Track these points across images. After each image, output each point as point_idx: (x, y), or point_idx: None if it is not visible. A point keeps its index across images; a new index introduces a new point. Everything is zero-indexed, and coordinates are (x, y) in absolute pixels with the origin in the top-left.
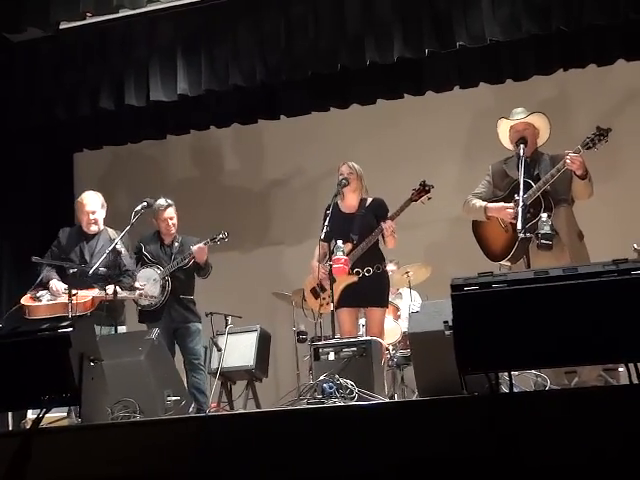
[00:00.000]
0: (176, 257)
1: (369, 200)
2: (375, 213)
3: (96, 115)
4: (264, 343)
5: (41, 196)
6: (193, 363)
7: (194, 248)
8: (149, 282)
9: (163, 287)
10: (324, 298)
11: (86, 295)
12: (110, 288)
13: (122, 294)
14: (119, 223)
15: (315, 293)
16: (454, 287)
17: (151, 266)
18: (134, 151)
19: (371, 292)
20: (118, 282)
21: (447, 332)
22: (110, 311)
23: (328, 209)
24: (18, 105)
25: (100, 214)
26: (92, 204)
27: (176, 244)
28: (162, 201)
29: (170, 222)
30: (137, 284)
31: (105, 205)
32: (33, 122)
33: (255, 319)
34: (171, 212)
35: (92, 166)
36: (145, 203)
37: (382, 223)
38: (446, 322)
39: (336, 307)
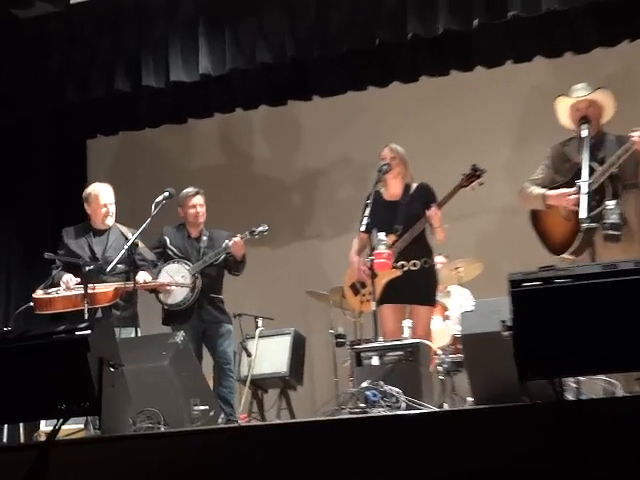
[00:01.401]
0: (206, 252)
1: (414, 186)
2: (421, 200)
3: (111, 97)
4: (298, 347)
5: (51, 187)
6: (223, 369)
7: (231, 242)
8: (176, 278)
9: (193, 284)
10: (364, 295)
11: (107, 286)
12: (140, 275)
13: (151, 283)
14: (137, 216)
15: (355, 289)
16: (512, 283)
17: (178, 261)
18: (152, 137)
19: (417, 288)
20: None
21: (505, 333)
22: (129, 308)
23: (368, 198)
24: (26, 87)
25: (114, 206)
26: (108, 195)
27: (204, 238)
28: (190, 188)
29: (199, 210)
30: (164, 278)
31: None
32: (42, 105)
33: (288, 321)
34: (200, 199)
35: (106, 153)
36: (167, 193)
37: (427, 210)
38: (504, 322)
39: (378, 303)
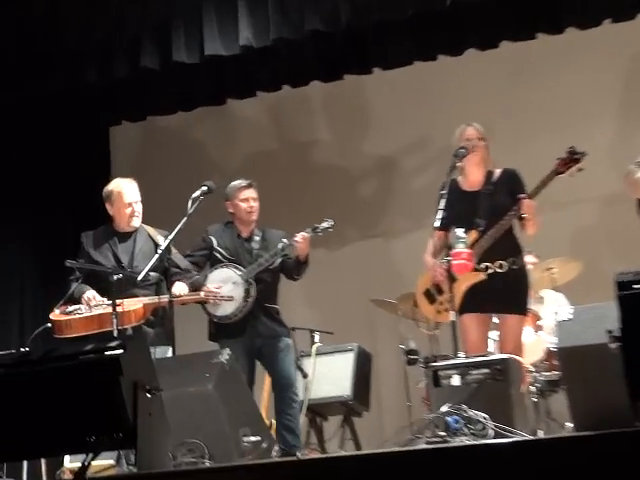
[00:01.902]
0: (260, 254)
1: (497, 172)
2: (507, 189)
3: (136, 77)
4: (364, 366)
5: (69, 183)
6: (284, 391)
7: (297, 237)
8: (227, 285)
9: (247, 292)
10: (442, 303)
11: (134, 302)
12: (177, 287)
13: (186, 297)
14: (168, 215)
15: (430, 297)
16: (620, 285)
17: (227, 265)
18: (186, 122)
19: (505, 294)
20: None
21: (611, 345)
22: (164, 323)
23: (443, 188)
24: (37, 65)
25: (140, 205)
26: (133, 193)
27: (257, 238)
28: (240, 180)
29: (253, 205)
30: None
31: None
32: (55, 87)
33: (351, 335)
34: (253, 192)
35: (132, 143)
36: (205, 187)
37: (519, 202)
38: (610, 332)
39: (458, 313)
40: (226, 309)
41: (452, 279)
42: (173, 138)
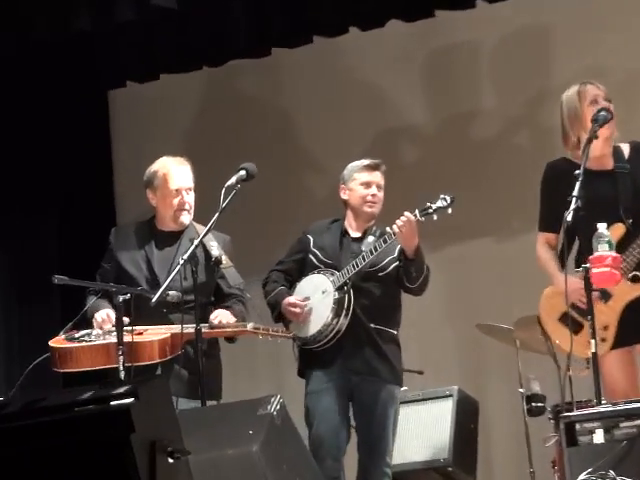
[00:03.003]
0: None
1: (625, 147)
2: None
3: (147, 20)
4: (467, 418)
5: (57, 165)
6: (373, 460)
7: (397, 223)
8: (315, 296)
9: (339, 304)
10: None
11: (160, 331)
12: (216, 314)
13: (226, 328)
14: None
15: (571, 323)
16: None
17: (321, 271)
18: (216, 81)
19: None
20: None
21: None
22: (193, 365)
23: (566, 168)
24: (15, 9)
25: (193, 195)
26: (185, 177)
27: (370, 238)
28: (363, 160)
29: (376, 193)
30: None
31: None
32: (38, 36)
33: (449, 376)
34: (378, 176)
35: (143, 111)
36: (243, 172)
37: None
38: None
39: (615, 345)
40: (311, 327)
41: (605, 295)
42: (199, 103)
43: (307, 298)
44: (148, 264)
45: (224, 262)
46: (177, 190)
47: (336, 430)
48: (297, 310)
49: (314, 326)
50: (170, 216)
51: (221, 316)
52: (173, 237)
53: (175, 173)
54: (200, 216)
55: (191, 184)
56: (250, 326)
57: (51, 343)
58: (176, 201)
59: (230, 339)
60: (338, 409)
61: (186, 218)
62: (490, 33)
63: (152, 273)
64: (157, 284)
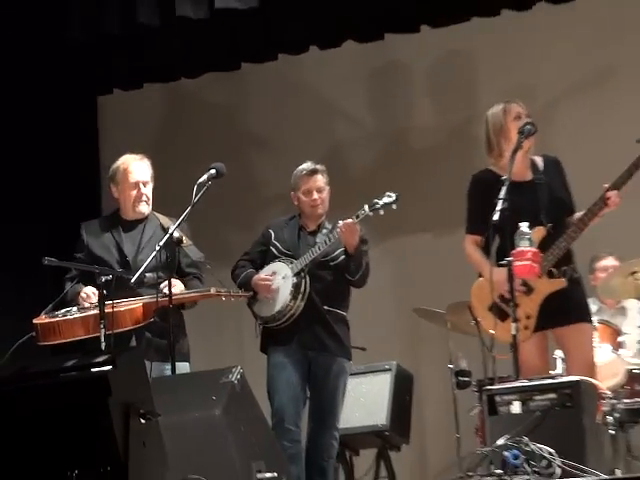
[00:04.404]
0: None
1: (539, 160)
2: (559, 179)
3: (132, 35)
4: (403, 389)
5: (48, 164)
6: (324, 428)
7: (339, 225)
8: (276, 279)
9: (296, 287)
10: (520, 319)
11: (132, 302)
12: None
13: (187, 296)
14: (171, 203)
15: (499, 312)
16: None
17: (280, 260)
18: (192, 91)
19: (569, 303)
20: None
21: None
22: (161, 332)
23: (489, 178)
24: (8, 18)
25: (151, 188)
26: (142, 170)
27: (324, 231)
28: (306, 164)
29: (316, 197)
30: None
31: (153, 176)
32: (30, 45)
33: (388, 352)
34: (319, 180)
35: (127, 115)
36: (213, 171)
37: (607, 192)
38: None
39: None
40: (272, 308)
41: (528, 290)
42: (175, 110)
43: (274, 273)
44: (117, 248)
45: (184, 241)
46: (135, 183)
47: (295, 399)
48: (267, 283)
49: (275, 306)
50: (130, 206)
51: (177, 285)
52: (137, 223)
53: (134, 168)
54: (174, 208)
55: (148, 178)
56: (213, 290)
57: (35, 321)
58: (134, 193)
59: (182, 306)
60: (296, 381)
61: (144, 208)
62: (429, 55)
63: (122, 255)
64: (127, 264)
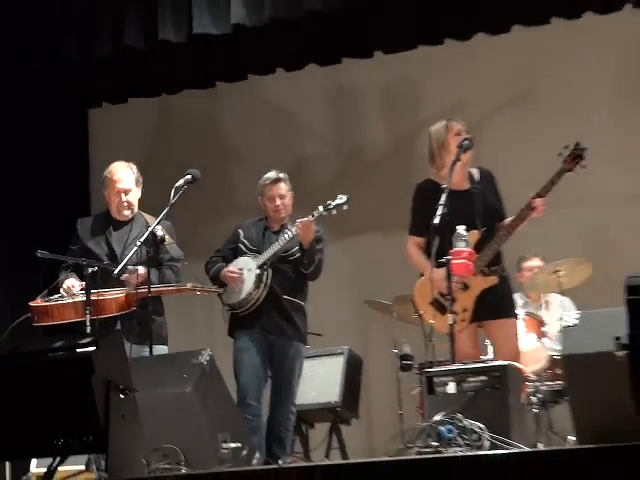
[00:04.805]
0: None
1: (475, 172)
2: (492, 189)
3: (120, 56)
4: (354, 371)
5: (44, 168)
6: (281, 403)
7: (296, 222)
8: (242, 271)
9: (259, 278)
10: (458, 312)
11: (116, 292)
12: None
13: (161, 286)
14: (152, 205)
15: (439, 306)
16: (631, 288)
17: (247, 255)
18: (171, 105)
19: (498, 298)
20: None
21: (619, 353)
22: (143, 319)
23: (431, 186)
24: (12, 40)
25: (135, 194)
26: (125, 180)
27: (285, 231)
28: (270, 173)
29: (278, 203)
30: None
31: (141, 181)
32: (31, 64)
33: (341, 338)
34: (282, 188)
35: (114, 126)
36: (189, 176)
37: (533, 200)
38: (617, 339)
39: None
40: (238, 296)
41: (465, 286)
42: (156, 122)
43: (241, 269)
44: (107, 242)
45: (167, 240)
46: (118, 192)
47: (258, 378)
48: (235, 275)
49: (240, 295)
50: (115, 211)
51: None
52: (124, 223)
53: (118, 177)
54: (156, 208)
55: (131, 186)
56: (190, 285)
57: (31, 304)
58: (117, 200)
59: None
60: (258, 362)
61: (127, 212)
62: (381, 78)
63: (111, 249)
64: (115, 257)
